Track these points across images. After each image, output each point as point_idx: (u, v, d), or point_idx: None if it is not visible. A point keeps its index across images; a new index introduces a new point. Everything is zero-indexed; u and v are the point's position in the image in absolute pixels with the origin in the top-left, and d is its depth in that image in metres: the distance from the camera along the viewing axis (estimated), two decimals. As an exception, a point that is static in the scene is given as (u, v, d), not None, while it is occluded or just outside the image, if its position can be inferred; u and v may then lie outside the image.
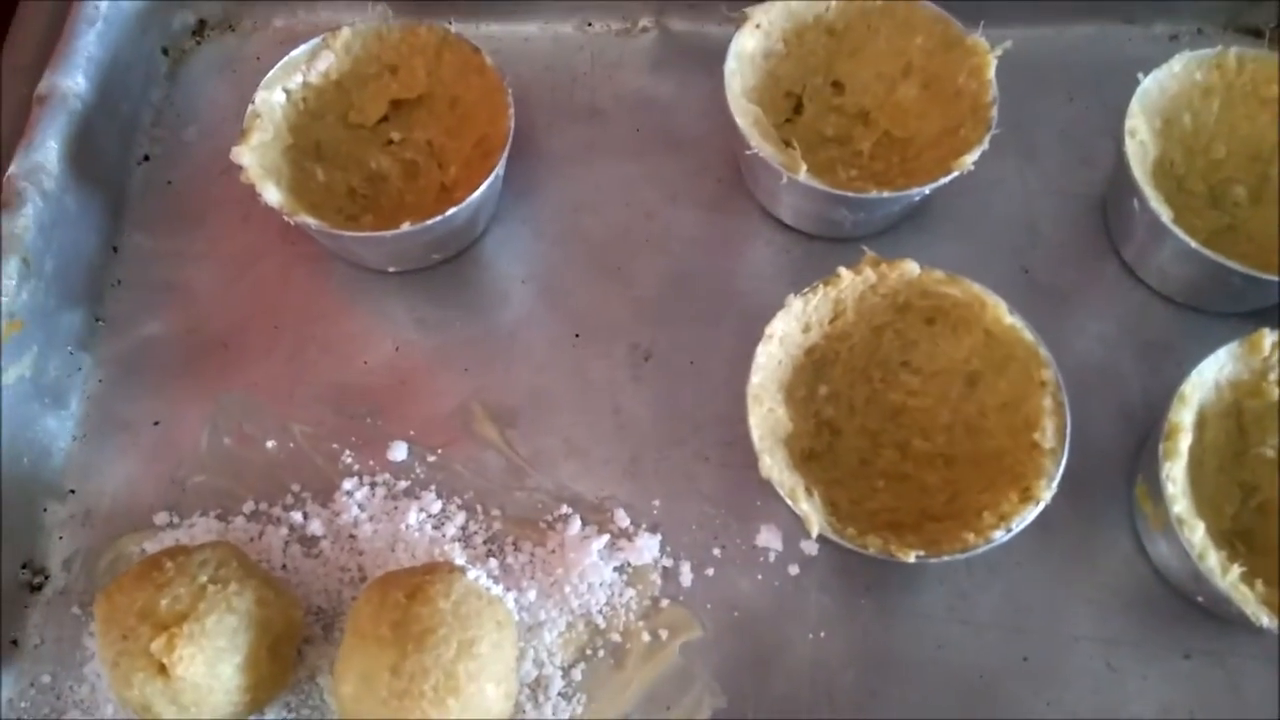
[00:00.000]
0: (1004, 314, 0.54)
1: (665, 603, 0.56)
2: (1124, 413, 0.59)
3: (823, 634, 0.55)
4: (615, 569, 0.56)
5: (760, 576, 0.56)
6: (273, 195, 0.60)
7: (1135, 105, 0.60)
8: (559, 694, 0.54)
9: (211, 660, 0.48)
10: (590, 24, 0.74)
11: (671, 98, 0.71)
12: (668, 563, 0.57)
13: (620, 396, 0.61)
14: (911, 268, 0.55)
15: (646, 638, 0.55)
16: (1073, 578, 0.56)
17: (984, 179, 0.65)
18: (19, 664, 0.56)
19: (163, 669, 0.48)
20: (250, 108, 0.62)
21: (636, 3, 0.73)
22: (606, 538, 0.57)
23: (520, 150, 0.68)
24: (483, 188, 0.60)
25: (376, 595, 0.50)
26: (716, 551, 0.57)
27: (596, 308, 0.64)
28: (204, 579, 0.50)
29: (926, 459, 0.56)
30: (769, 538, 0.57)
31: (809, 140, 0.66)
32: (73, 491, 0.60)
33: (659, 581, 0.56)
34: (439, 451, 0.60)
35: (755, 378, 0.53)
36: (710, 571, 0.57)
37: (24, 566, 0.58)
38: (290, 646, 0.53)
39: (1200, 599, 0.52)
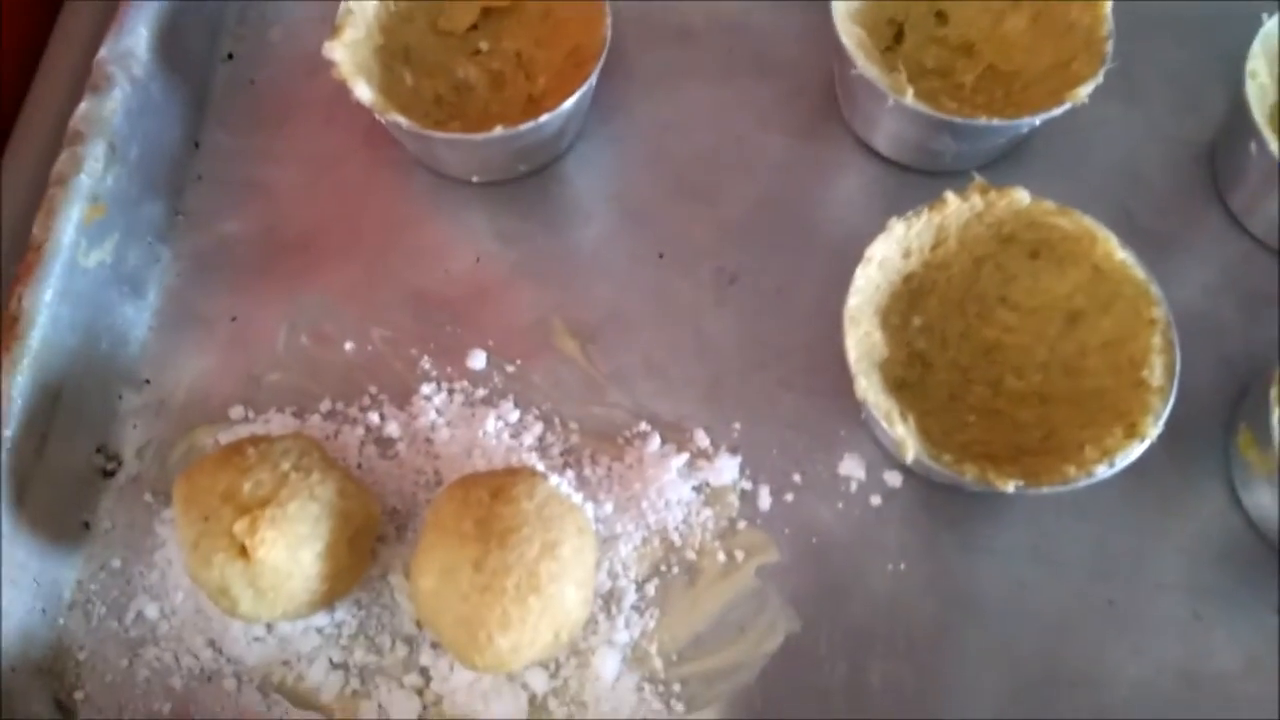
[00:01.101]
0: (1115, 249, 0.52)
1: (742, 524, 0.55)
2: (1224, 362, 0.57)
3: (902, 566, 0.54)
4: (694, 488, 0.56)
5: (841, 505, 0.55)
6: (364, 92, 0.58)
7: (1257, 47, 0.58)
8: (632, 607, 0.53)
9: (293, 546, 0.48)
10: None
11: (766, 21, 0.69)
12: (746, 485, 0.56)
13: (703, 318, 0.60)
14: (1022, 196, 0.53)
15: (722, 558, 0.54)
16: (1163, 525, 0.54)
17: (1086, 120, 0.63)
18: (89, 547, 0.56)
19: (243, 551, 0.47)
20: (343, 4, 0.61)
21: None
22: (686, 456, 0.56)
23: (608, 68, 0.66)
24: (576, 96, 0.58)
25: (459, 493, 0.50)
26: (796, 477, 0.56)
27: (681, 229, 0.63)
28: (286, 466, 0.50)
29: (1019, 396, 0.55)
30: (852, 467, 0.56)
31: (911, 71, 0.64)
32: (148, 381, 0.60)
33: (737, 503, 0.55)
34: (517, 362, 0.59)
35: (853, 299, 0.52)
36: (789, 497, 0.56)
37: (98, 451, 0.58)
38: (367, 541, 0.52)
39: (1301, 551, 0.51)
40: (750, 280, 0.61)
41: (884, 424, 0.49)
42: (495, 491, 0.49)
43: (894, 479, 0.55)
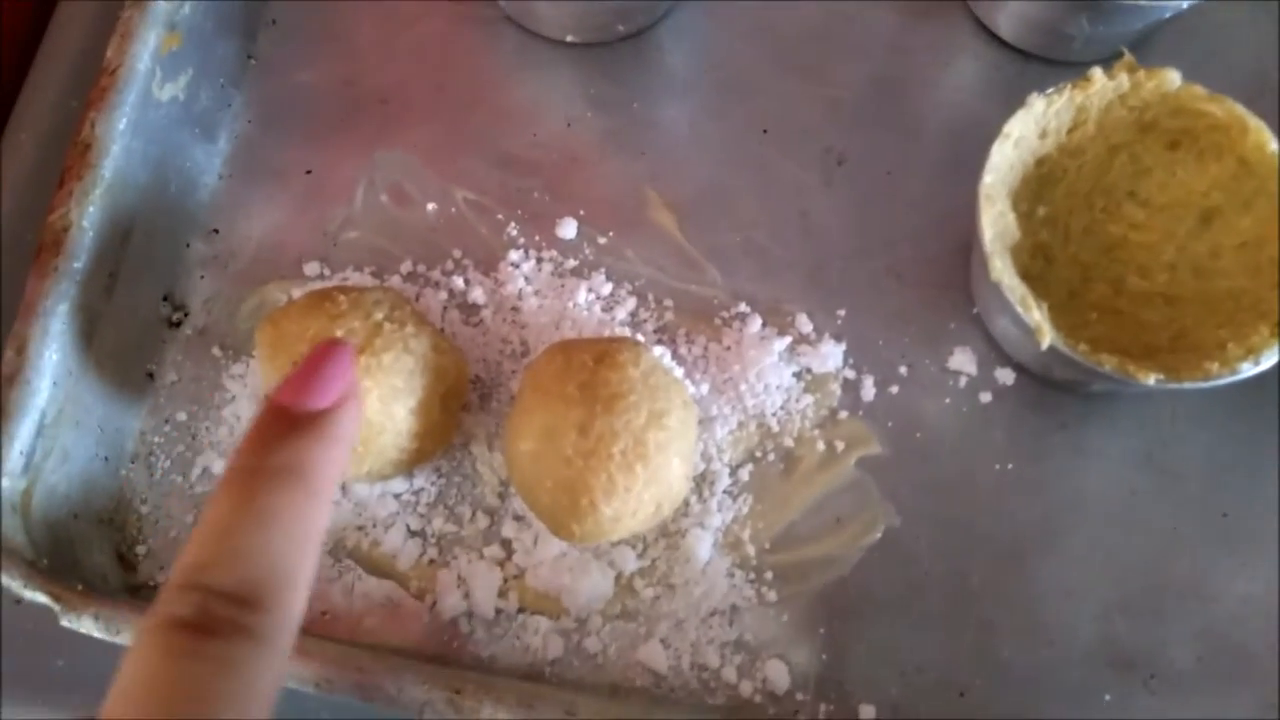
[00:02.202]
0: (1269, 140, 0.49)
1: (844, 414, 0.52)
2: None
3: (1010, 466, 0.52)
4: (794, 374, 0.53)
5: (948, 400, 0.53)
6: (462, -68, 0.54)
7: None
8: (725, 491, 0.51)
9: (386, 398, 0.45)
10: None
11: (881, -104, 0.65)
12: (850, 374, 0.53)
13: (808, 200, 0.57)
14: (1173, 77, 0.50)
15: (821, 447, 0.52)
16: (1285, 439, 0.52)
17: (1214, 20, 0.60)
18: (152, 398, 0.54)
19: (334, 401, 0.45)
20: None
21: None
22: (788, 340, 0.53)
23: (712, -68, 0.63)
24: (689, -51, 0.54)
25: (561, 356, 0.47)
26: (903, 370, 0.53)
27: (786, 106, 0.59)
28: (379, 316, 0.46)
29: (1144, 297, 0.52)
30: (962, 361, 0.53)
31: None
32: (216, 231, 0.57)
33: (839, 392, 0.53)
34: (610, 234, 0.56)
35: (988, 176, 0.48)
36: (894, 389, 0.53)
37: (164, 299, 0.55)
38: (457, 402, 0.50)
39: None
40: (859, 163, 0.58)
41: (1019, 309, 0.46)
42: (599, 356, 0.46)
43: (1006, 376, 0.53)
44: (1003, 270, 0.47)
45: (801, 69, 0.60)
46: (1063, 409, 0.52)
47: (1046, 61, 0.59)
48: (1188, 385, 0.45)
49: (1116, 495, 0.51)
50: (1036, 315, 0.46)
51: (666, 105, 0.60)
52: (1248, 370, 0.45)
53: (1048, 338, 0.46)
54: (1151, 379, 0.45)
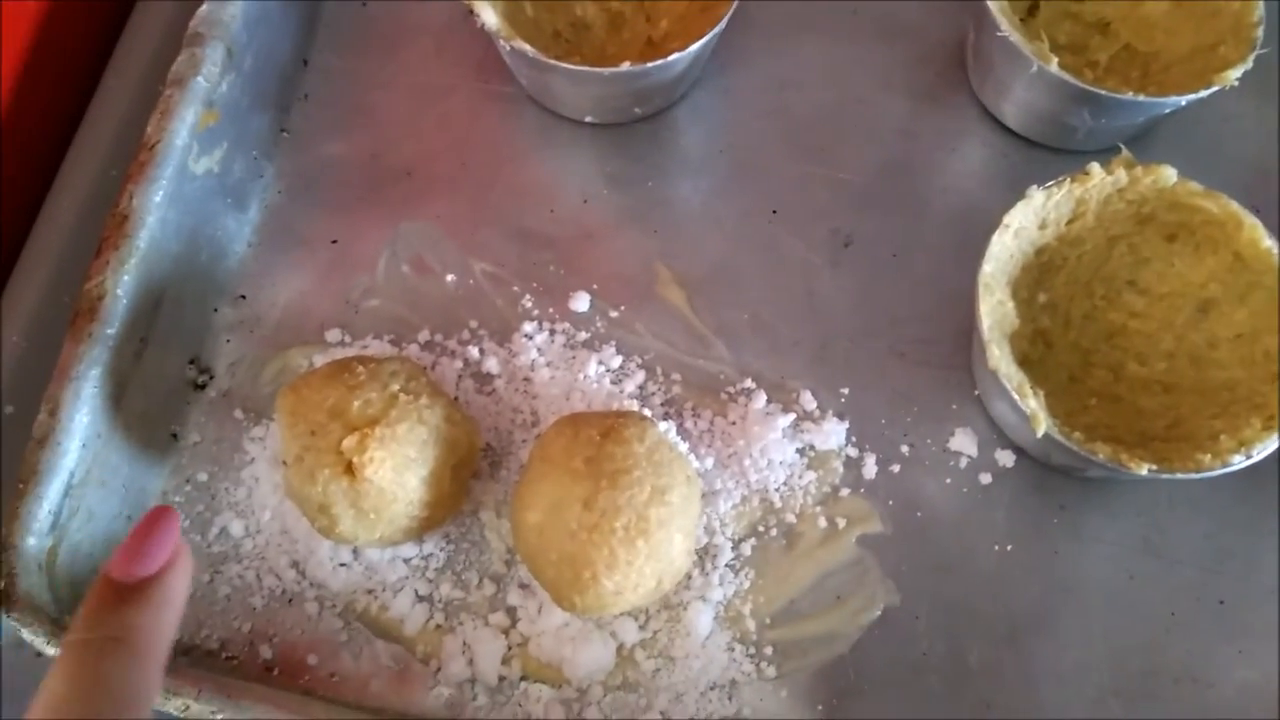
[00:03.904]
0: (1262, 236, 0.50)
1: (846, 492, 0.54)
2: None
3: (1009, 547, 0.53)
4: (798, 450, 0.54)
5: (949, 480, 0.54)
6: (490, 17, 0.57)
7: None
8: (727, 565, 0.52)
9: (400, 468, 0.47)
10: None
11: (891, -13, 0.67)
12: (852, 452, 0.54)
13: (815, 279, 0.59)
14: (1169, 173, 0.51)
15: (823, 524, 0.53)
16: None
17: (1218, 112, 0.62)
18: (175, 459, 0.56)
19: (349, 469, 0.46)
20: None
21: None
22: (792, 417, 0.55)
23: (731, 20, 0.65)
24: (707, 38, 0.57)
25: (569, 429, 0.48)
26: (905, 449, 0.54)
27: (796, 187, 0.61)
28: (396, 387, 0.48)
29: (1142, 383, 0.53)
30: (963, 442, 0.54)
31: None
32: (243, 297, 0.59)
33: (841, 469, 0.54)
34: (621, 308, 0.58)
35: (987, 266, 0.50)
36: (896, 468, 0.54)
37: (191, 363, 0.57)
38: (468, 472, 0.51)
39: None
40: (866, 244, 0.59)
41: (1015, 396, 0.47)
42: (606, 431, 0.47)
43: (1006, 458, 0.54)
44: (1000, 358, 0.48)
45: (812, 152, 0.62)
46: (1061, 492, 0.53)
47: (1052, 150, 0.61)
48: (1179, 475, 0.46)
49: (1114, 579, 0.52)
50: (1032, 403, 0.47)
51: (680, 184, 0.62)
52: (1239, 463, 0.46)
53: (1043, 425, 0.47)
54: (1144, 469, 0.46)
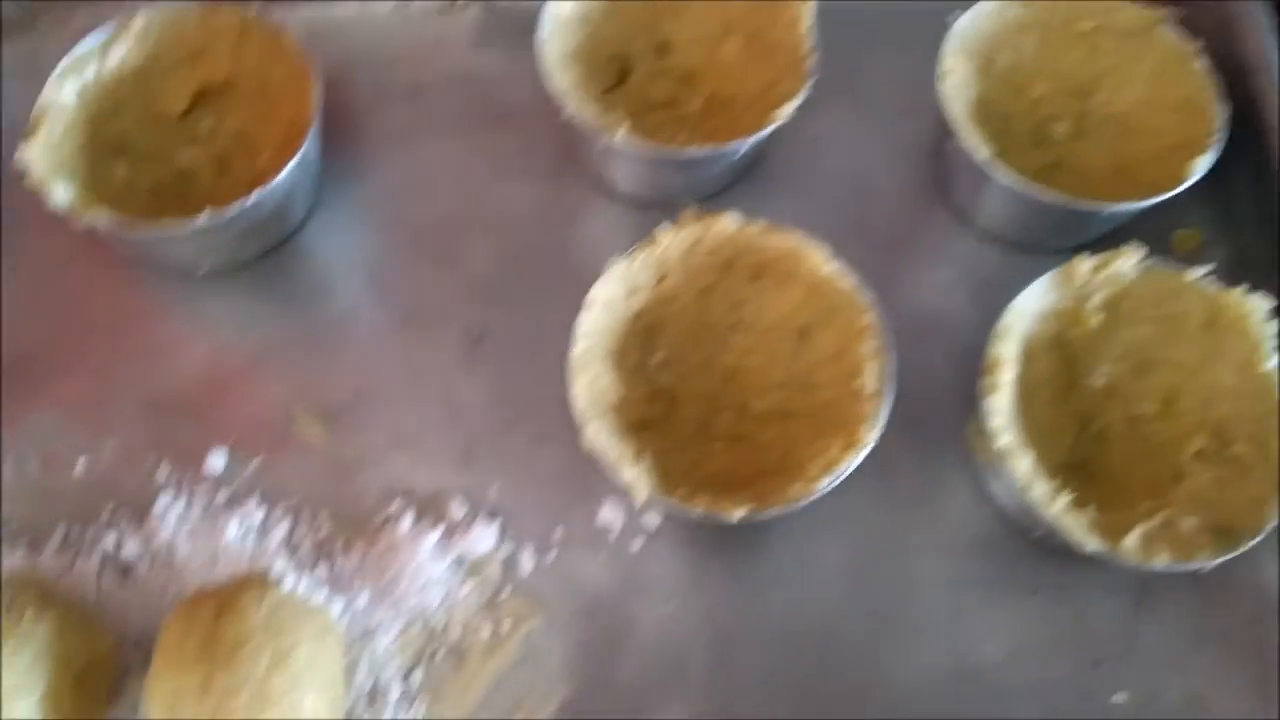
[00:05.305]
0: (821, 263, 0.53)
1: (506, 592, 0.54)
2: (959, 357, 0.58)
3: (670, 607, 0.54)
4: (450, 565, 0.54)
5: (603, 556, 0.55)
6: (60, 196, 0.56)
7: (948, 46, 0.60)
8: (398, 700, 0.51)
9: (10, 695, 0.45)
10: (409, 2, 0.71)
11: (497, 73, 0.68)
12: (507, 550, 0.55)
13: (452, 382, 0.59)
14: (729, 221, 0.53)
15: (487, 632, 0.53)
16: (915, 525, 0.55)
17: (815, 133, 0.65)
18: None
19: (-55, 715, 0.44)
20: (37, 104, 0.58)
21: (455, -22, 0.71)
22: (439, 533, 0.54)
23: (340, 134, 0.65)
24: (287, 170, 0.56)
25: (185, 614, 0.47)
26: (558, 534, 0.55)
27: (426, 292, 0.61)
28: (-6, 613, 0.46)
29: (763, 417, 0.55)
30: (610, 515, 0.55)
31: (639, 106, 0.64)
32: None
33: (499, 572, 0.54)
34: (260, 456, 0.57)
35: (578, 347, 0.51)
36: (552, 556, 0.55)
37: None
38: (100, 679, 0.49)
39: (1038, 533, 0.52)
40: (498, 337, 0.60)
41: (614, 469, 0.48)
42: (220, 608, 0.46)
43: (652, 520, 0.55)
44: (596, 435, 0.49)
45: (436, 253, 0.63)
46: (710, 541, 0.55)
47: (664, 207, 0.63)
48: (772, 513, 0.47)
49: (773, 613, 0.54)
50: (629, 473, 0.48)
51: (311, 312, 0.61)
52: (825, 487, 0.48)
53: (641, 493, 0.48)
54: (735, 515, 0.47)
